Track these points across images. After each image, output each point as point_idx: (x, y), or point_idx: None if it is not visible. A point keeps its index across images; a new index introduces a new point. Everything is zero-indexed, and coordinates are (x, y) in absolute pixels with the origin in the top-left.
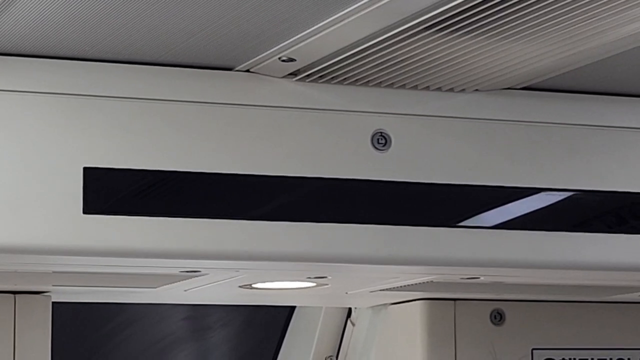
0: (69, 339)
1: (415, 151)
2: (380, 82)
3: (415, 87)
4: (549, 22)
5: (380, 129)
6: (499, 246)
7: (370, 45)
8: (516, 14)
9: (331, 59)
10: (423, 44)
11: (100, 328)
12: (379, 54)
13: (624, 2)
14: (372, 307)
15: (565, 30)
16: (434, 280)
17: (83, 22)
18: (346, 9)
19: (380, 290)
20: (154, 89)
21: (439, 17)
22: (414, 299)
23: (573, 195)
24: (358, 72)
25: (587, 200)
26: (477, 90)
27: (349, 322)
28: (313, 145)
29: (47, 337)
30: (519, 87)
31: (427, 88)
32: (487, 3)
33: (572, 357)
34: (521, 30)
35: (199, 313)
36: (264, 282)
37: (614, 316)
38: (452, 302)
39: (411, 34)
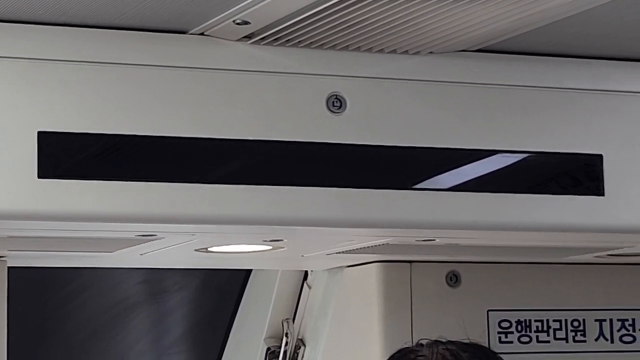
0: (24, 304)
1: (371, 114)
2: (335, 44)
3: (370, 50)
4: None
5: (335, 92)
6: (454, 208)
7: (324, 8)
8: None
9: (286, 22)
10: (377, 6)
11: (56, 293)
12: (334, 17)
13: None
14: (328, 269)
15: None
16: (390, 243)
17: None
18: None
19: (336, 253)
20: (108, 52)
21: None
22: (370, 262)
23: (528, 157)
24: (313, 35)
25: (542, 162)
26: (431, 52)
27: (305, 285)
28: (268, 108)
29: (3, 301)
30: (473, 49)
31: (382, 50)
32: None
33: (528, 318)
34: None
35: (155, 277)
36: (220, 245)
37: (568, 277)
38: (408, 264)
39: None
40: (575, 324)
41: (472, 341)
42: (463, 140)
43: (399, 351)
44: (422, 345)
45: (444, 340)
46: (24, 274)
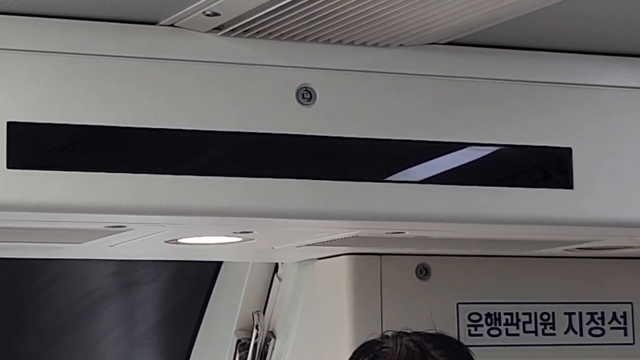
0: None
1: (340, 106)
2: (305, 36)
3: (340, 42)
4: None
5: (305, 84)
6: (424, 201)
7: (294, 0)
8: None
9: (256, 13)
10: None
11: (26, 285)
12: (304, 9)
13: None
14: (299, 262)
15: None
16: (360, 235)
17: None
18: None
19: (307, 245)
20: (78, 43)
21: None
22: (340, 254)
23: (498, 150)
24: (283, 27)
25: (512, 155)
26: (401, 45)
27: (275, 277)
28: (238, 100)
29: None
30: (443, 42)
31: (352, 43)
32: None
33: (497, 311)
34: None
35: (125, 268)
36: (190, 237)
37: (538, 270)
38: (378, 256)
39: None
40: (545, 317)
41: (438, 332)
42: (433, 132)
43: (364, 344)
44: (387, 337)
45: (409, 332)
46: None
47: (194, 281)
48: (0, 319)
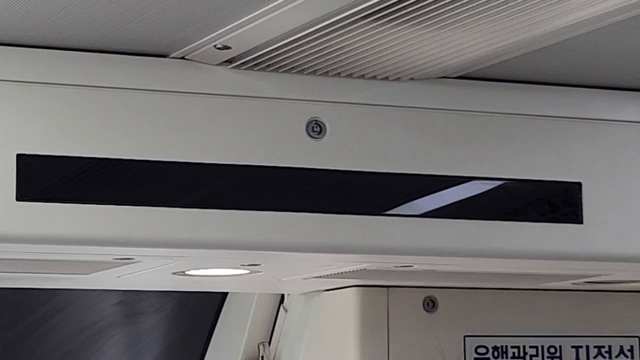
0: None
1: (350, 139)
2: (316, 70)
3: (350, 75)
4: (485, 12)
5: (315, 117)
6: (432, 234)
7: (305, 34)
8: (452, 4)
9: (267, 47)
10: (359, 32)
11: (31, 313)
12: (315, 43)
13: None
14: (305, 293)
15: (500, 21)
16: (367, 268)
17: (14, 7)
18: None
19: (314, 277)
20: (88, 75)
21: (375, 6)
22: (347, 286)
23: (505, 183)
24: (293, 60)
25: (521, 189)
26: (412, 78)
27: (281, 308)
28: (248, 132)
29: None
30: (453, 75)
31: (363, 76)
32: None
33: (504, 344)
34: (457, 20)
35: (130, 298)
36: (198, 269)
37: (546, 304)
38: (385, 289)
39: (347, 23)
40: (552, 350)
41: None
42: (443, 166)
43: None
44: None
45: None
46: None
47: (199, 311)
48: (4, 348)
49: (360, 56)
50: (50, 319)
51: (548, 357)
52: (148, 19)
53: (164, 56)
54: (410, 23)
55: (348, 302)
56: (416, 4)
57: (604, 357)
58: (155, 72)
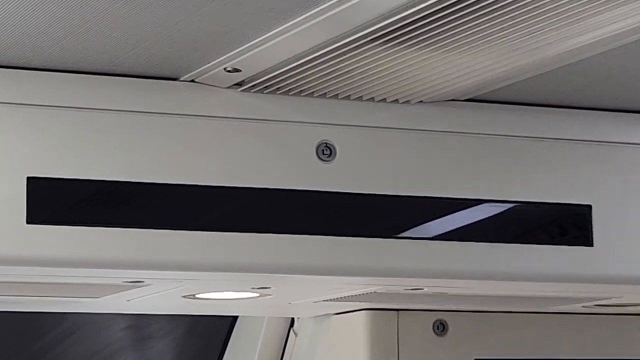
0: (6, 349)
1: (360, 162)
2: (326, 92)
3: (360, 98)
4: (493, 35)
5: (325, 140)
6: (442, 257)
7: (315, 57)
8: (461, 26)
9: (276, 70)
10: (368, 55)
11: (40, 338)
12: (324, 65)
13: (567, 17)
14: (315, 317)
15: (510, 43)
16: (377, 291)
17: (27, 30)
18: (291, 20)
19: (324, 300)
20: (98, 98)
21: (384, 29)
22: (357, 309)
23: (515, 206)
24: (303, 83)
25: (531, 212)
26: (421, 101)
27: (291, 332)
28: (258, 155)
29: None
30: (463, 98)
31: (372, 99)
32: (432, 16)
33: None
34: (466, 42)
35: (140, 322)
36: (208, 292)
37: (556, 327)
38: (395, 312)
39: (356, 46)
40: None
41: None
42: (452, 189)
43: None
44: None
45: None
46: (7, 319)
47: (209, 335)
48: None
49: (370, 79)
50: (59, 344)
51: None
52: (158, 42)
53: (174, 79)
54: (420, 46)
55: (358, 326)
56: (425, 27)
57: None
58: (166, 95)
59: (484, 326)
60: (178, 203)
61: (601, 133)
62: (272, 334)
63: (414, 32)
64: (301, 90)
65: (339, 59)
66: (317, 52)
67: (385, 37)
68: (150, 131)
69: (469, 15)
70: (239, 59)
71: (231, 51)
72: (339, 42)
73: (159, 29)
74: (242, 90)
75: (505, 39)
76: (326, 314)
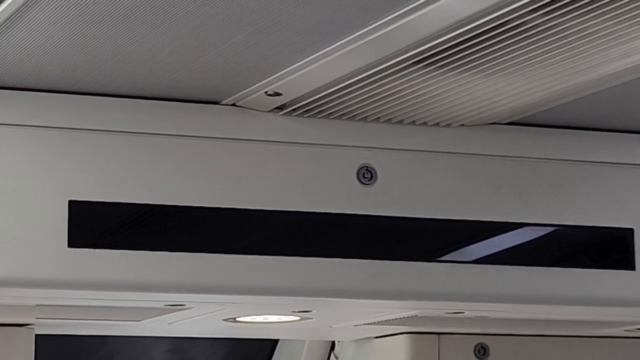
0: None
1: (401, 186)
2: (366, 116)
3: (401, 122)
4: (535, 58)
5: (366, 164)
6: (483, 281)
7: (356, 80)
8: (502, 50)
9: (317, 94)
10: (409, 79)
11: None
12: (365, 89)
13: (608, 40)
14: (356, 340)
15: (550, 67)
16: (418, 315)
17: (68, 56)
18: (332, 44)
19: (365, 324)
20: (140, 122)
21: (426, 52)
22: (398, 333)
23: (557, 230)
24: (344, 107)
25: (573, 235)
26: (462, 125)
27: (332, 355)
28: (299, 179)
29: None
30: (504, 122)
31: (413, 122)
32: (473, 39)
33: None
34: (507, 66)
35: (181, 346)
36: (249, 315)
37: (598, 351)
38: (436, 336)
39: (397, 70)
40: None
41: None
42: (493, 212)
43: None
44: None
45: None
46: (48, 342)
47: (250, 358)
48: None
49: (411, 102)
50: None
51: None
52: (200, 66)
53: (216, 103)
54: (461, 69)
55: (399, 349)
56: (467, 51)
57: None
58: (207, 119)
59: (525, 350)
60: (220, 227)
61: None
62: (312, 358)
63: (455, 55)
64: (342, 114)
65: (380, 83)
66: (358, 75)
67: (427, 60)
68: (192, 155)
69: (510, 39)
70: (280, 82)
71: (272, 75)
72: (380, 65)
73: (201, 53)
74: (283, 114)
75: (545, 62)
76: (367, 338)
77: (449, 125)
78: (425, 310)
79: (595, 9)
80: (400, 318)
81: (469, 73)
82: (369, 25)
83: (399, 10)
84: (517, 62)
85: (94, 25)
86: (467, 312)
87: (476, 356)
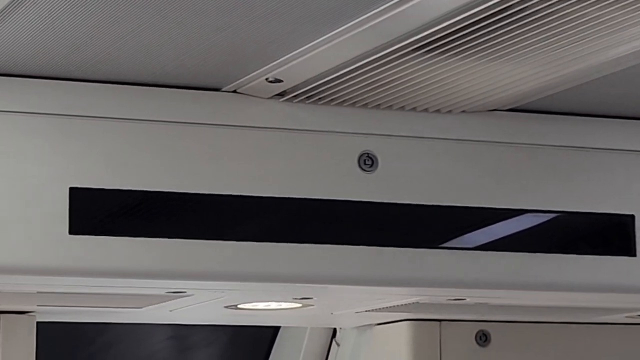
0: (52, 359)
1: (402, 172)
2: (367, 103)
3: (402, 108)
4: (537, 44)
5: (367, 150)
6: (484, 267)
7: (357, 67)
8: (503, 36)
9: (318, 80)
10: (411, 65)
11: (84, 349)
12: (366, 75)
13: (609, 26)
14: (357, 327)
15: (552, 53)
16: (420, 301)
17: (69, 42)
18: (333, 30)
19: (366, 311)
20: (141, 109)
21: (427, 38)
22: (399, 320)
23: (558, 216)
24: (345, 93)
25: (573, 222)
26: (463, 111)
27: (333, 342)
28: (299, 165)
29: (32, 357)
30: (505, 108)
31: (414, 109)
32: (475, 25)
33: None
34: (509, 52)
35: (182, 333)
36: (250, 302)
37: (599, 337)
38: (438, 322)
39: (399, 56)
40: None
41: None
42: (494, 199)
43: None
44: None
45: None
46: (49, 329)
47: (252, 346)
48: None
49: (412, 89)
50: (103, 354)
51: None
52: (200, 53)
53: (216, 90)
54: (462, 55)
55: (400, 336)
56: (468, 37)
57: None
58: (208, 105)
59: (526, 337)
60: (220, 213)
61: None
62: (314, 345)
63: (456, 42)
64: (343, 101)
65: (380, 69)
66: (359, 62)
67: (428, 47)
68: (192, 141)
69: (511, 25)
70: (281, 69)
71: (273, 62)
72: (381, 52)
73: (201, 40)
74: (283, 101)
75: (547, 48)
76: (368, 325)
77: (450, 111)
78: (427, 297)
79: None
80: (402, 305)
81: (470, 59)
82: (370, 12)
83: None
84: (518, 48)
85: (94, 11)
86: (468, 299)
87: (477, 343)
